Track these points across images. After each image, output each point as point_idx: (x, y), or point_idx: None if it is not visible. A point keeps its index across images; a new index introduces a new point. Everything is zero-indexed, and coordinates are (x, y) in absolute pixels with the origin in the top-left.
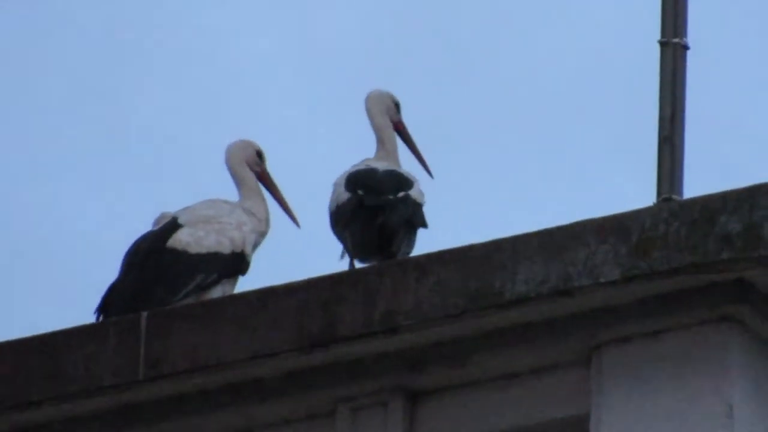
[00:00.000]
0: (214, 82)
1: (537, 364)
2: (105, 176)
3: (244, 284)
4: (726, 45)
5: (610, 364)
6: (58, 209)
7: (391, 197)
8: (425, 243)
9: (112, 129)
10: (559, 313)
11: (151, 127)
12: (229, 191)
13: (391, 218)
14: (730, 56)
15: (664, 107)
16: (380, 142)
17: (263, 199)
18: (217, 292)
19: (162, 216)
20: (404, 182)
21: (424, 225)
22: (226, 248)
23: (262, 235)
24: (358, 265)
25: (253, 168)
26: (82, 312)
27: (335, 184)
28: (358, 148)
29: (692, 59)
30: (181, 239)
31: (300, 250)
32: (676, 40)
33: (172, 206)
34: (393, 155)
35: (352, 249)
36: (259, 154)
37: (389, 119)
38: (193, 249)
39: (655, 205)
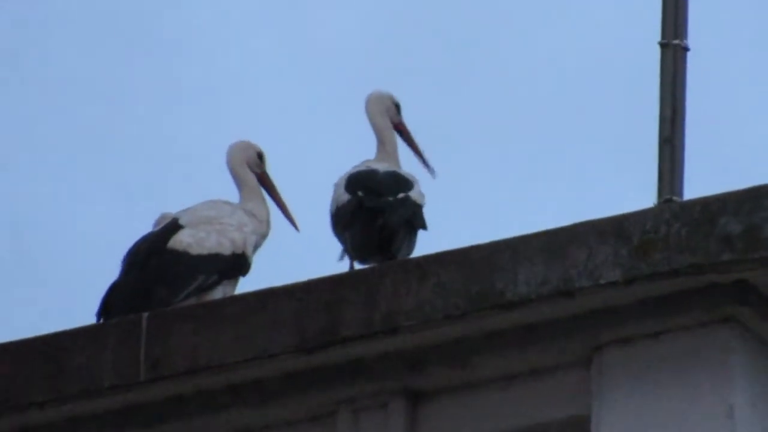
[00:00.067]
0: (214, 83)
1: (538, 365)
2: (105, 177)
3: (245, 285)
4: (726, 46)
5: (611, 365)
6: (59, 210)
7: (391, 199)
8: (426, 244)
9: (113, 129)
10: (560, 315)
11: (152, 127)
12: (229, 192)
13: (391, 219)
14: (730, 58)
15: (665, 108)
16: (380, 143)
17: (264, 201)
18: (217, 294)
19: (163, 217)
20: (404, 183)
21: (424, 226)
22: (226, 249)
23: (263, 236)
24: (358, 266)
25: (253, 169)
26: (83, 313)
27: (336, 186)
28: (359, 149)
29: (692, 61)
30: (182, 240)
31: (301, 251)
32: (676, 41)
33: (172, 207)
34: (393, 156)
35: (352, 250)
36: (260, 156)
37: (389, 120)
38: (194, 250)
39: (655, 206)
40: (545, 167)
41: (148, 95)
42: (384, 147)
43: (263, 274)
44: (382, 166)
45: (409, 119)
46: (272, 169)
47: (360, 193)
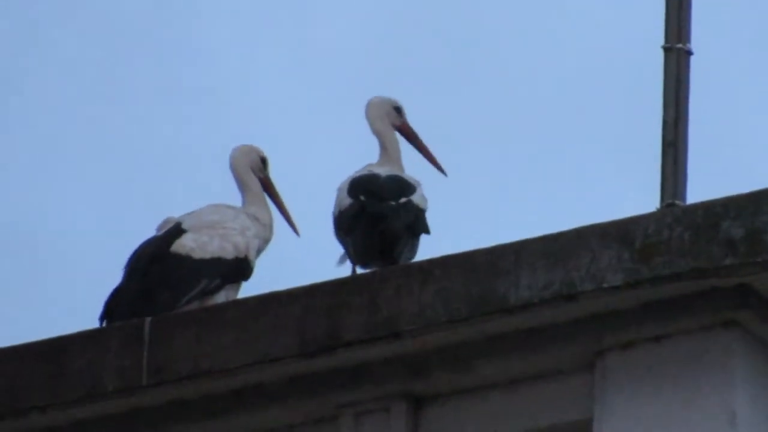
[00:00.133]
0: (217, 86)
1: (540, 369)
2: (108, 180)
3: (248, 290)
4: (729, 50)
5: (614, 369)
6: (62, 213)
7: (393, 203)
8: (428, 248)
9: (115, 132)
10: (562, 319)
11: (155, 130)
12: (232, 196)
13: (393, 224)
14: (733, 62)
15: (668, 112)
16: (383, 147)
17: (267, 205)
18: (220, 298)
19: (166, 221)
20: (406, 188)
21: (427, 231)
22: (229, 253)
23: (266, 240)
24: (359, 271)
25: (256, 173)
26: (86, 317)
27: (338, 190)
28: (362, 153)
29: (696, 65)
30: (184, 244)
31: (303, 255)
32: (679, 45)
33: (175, 211)
34: (396, 160)
35: (354, 255)
36: (263, 160)
37: (390, 124)
38: (197, 254)
39: (658, 210)
40: (548, 171)
41: (151, 97)
42: (386, 151)
43: (266, 279)
44: (384, 170)
45: (410, 120)
46: (274, 174)
47: (362, 198)
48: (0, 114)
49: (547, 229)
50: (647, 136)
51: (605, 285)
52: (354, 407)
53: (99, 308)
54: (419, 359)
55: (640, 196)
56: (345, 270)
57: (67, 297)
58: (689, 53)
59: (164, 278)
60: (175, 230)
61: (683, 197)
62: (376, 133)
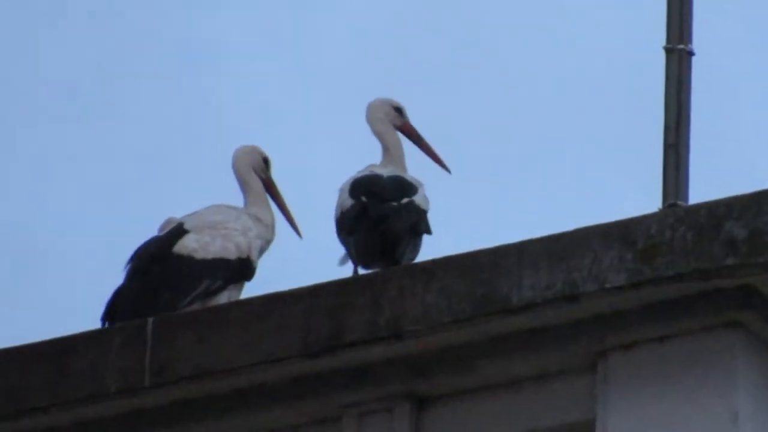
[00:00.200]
0: (218, 86)
1: (543, 370)
2: (109, 181)
3: (250, 290)
4: (731, 51)
5: (616, 370)
6: (62, 213)
7: (394, 204)
8: (431, 248)
9: (116, 133)
10: (564, 319)
11: (157, 131)
12: (234, 196)
13: (395, 225)
14: (735, 62)
15: (670, 113)
16: (385, 149)
17: (269, 206)
18: (223, 298)
19: (168, 221)
20: (408, 188)
21: (428, 231)
22: (232, 254)
23: (268, 241)
24: (361, 271)
25: (259, 174)
26: (88, 317)
27: (340, 190)
28: (364, 154)
29: (697, 65)
30: (187, 245)
31: (306, 256)
32: (681, 46)
33: (178, 211)
34: (399, 161)
35: (356, 255)
36: (266, 161)
37: (391, 125)
38: (199, 255)
39: (660, 210)
40: (550, 171)
41: (152, 98)
42: (389, 152)
43: (268, 279)
44: (386, 171)
45: (411, 121)
46: (276, 174)
47: (364, 199)
48: (0, 114)
49: (549, 229)
50: (649, 136)
51: (608, 285)
52: (357, 407)
53: (100, 308)
54: (422, 360)
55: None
56: (347, 270)
57: (68, 297)
58: (691, 54)
59: (166, 279)
60: (177, 231)
61: (685, 197)
62: (378, 134)
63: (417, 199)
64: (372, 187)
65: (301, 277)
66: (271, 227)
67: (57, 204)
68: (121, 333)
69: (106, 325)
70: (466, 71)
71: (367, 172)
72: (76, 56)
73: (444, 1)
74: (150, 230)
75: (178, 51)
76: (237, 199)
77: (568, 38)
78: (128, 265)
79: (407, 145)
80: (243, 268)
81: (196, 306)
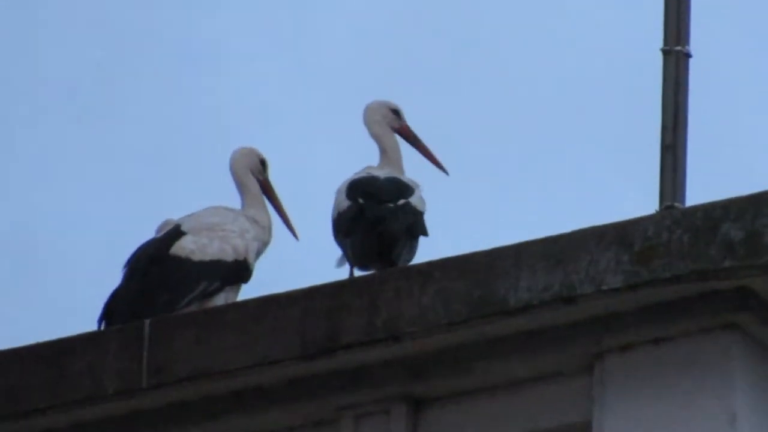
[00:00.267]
0: (216, 88)
1: (540, 372)
2: (108, 182)
3: (247, 292)
4: (728, 53)
5: (613, 372)
6: (62, 214)
7: (391, 205)
8: (428, 250)
9: (115, 134)
10: (561, 321)
11: (154, 132)
12: (230, 198)
13: (392, 226)
14: (732, 64)
15: (667, 114)
16: (382, 151)
17: (266, 207)
18: (220, 300)
19: (165, 223)
20: (405, 190)
21: (425, 233)
22: (229, 256)
23: (265, 243)
24: (357, 273)
25: (256, 176)
26: (85, 318)
27: (337, 192)
28: (361, 155)
29: (695, 67)
30: (184, 246)
31: (302, 258)
32: (678, 48)
33: (175, 213)
34: (396, 163)
35: (353, 257)
36: (263, 163)
37: (388, 127)
38: (197, 256)
39: (657, 212)
40: (547, 172)
41: (151, 99)
42: (386, 154)
43: (265, 281)
44: (383, 173)
45: (410, 121)
46: (274, 176)
47: (360, 200)
48: (0, 114)
49: (546, 231)
50: (646, 138)
51: (604, 287)
52: (354, 409)
53: (100, 309)
54: (419, 361)
55: (639, 198)
56: (344, 272)
57: (68, 297)
58: (688, 56)
59: (164, 280)
60: (175, 232)
61: (682, 199)
62: (375, 137)
63: (413, 200)
64: (369, 188)
65: (298, 279)
66: (268, 229)
67: (57, 204)
68: (119, 334)
69: (103, 327)
70: (465, 72)
71: (363, 174)
72: (76, 56)
73: (444, 1)
74: (150, 230)
75: (178, 51)
76: (235, 200)
77: (565, 39)
78: (126, 267)
79: (405, 147)
80: (240, 270)
81: (193, 308)
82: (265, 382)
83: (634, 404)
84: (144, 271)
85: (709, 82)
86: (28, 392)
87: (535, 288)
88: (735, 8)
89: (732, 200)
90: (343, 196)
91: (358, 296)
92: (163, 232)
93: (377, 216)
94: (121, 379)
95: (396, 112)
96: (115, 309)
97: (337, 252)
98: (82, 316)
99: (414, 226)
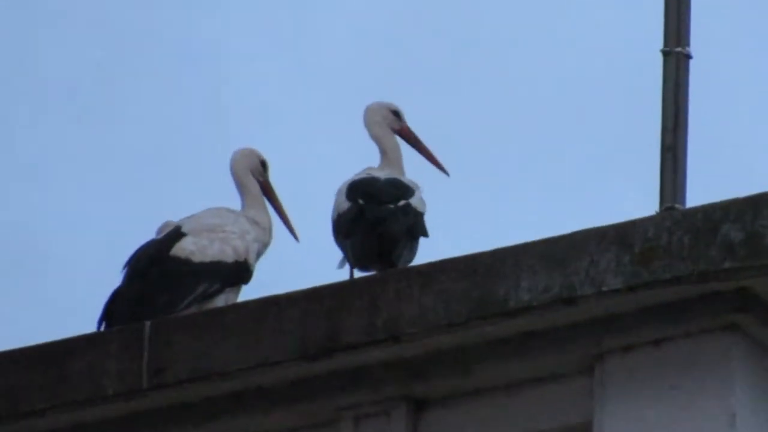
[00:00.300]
0: (217, 89)
1: (540, 373)
2: (108, 183)
3: (248, 293)
4: (729, 54)
5: (613, 373)
6: (62, 214)
7: (391, 206)
8: (428, 251)
9: (115, 135)
10: (562, 322)
11: (155, 134)
12: (231, 199)
13: (392, 227)
14: (732, 65)
15: (667, 116)
16: (383, 152)
17: (266, 209)
18: (220, 301)
19: (165, 224)
20: (405, 191)
21: (425, 234)
22: (229, 257)
23: (265, 244)
24: (358, 274)
25: (256, 177)
26: (86, 319)
27: (337, 193)
28: (363, 155)
29: (695, 68)
30: (184, 248)
31: (303, 259)
32: (678, 49)
33: (175, 214)
34: (397, 164)
35: (353, 258)
36: (264, 164)
37: (388, 129)
38: (197, 258)
39: (657, 214)
40: (547, 173)
41: (151, 100)
42: (386, 156)
43: (265, 282)
44: (383, 174)
45: (410, 122)
46: (274, 177)
47: (361, 201)
48: (0, 114)
49: (546, 232)
50: (647, 139)
51: (605, 288)
52: (354, 410)
53: (98, 310)
54: (419, 362)
55: (639, 200)
56: (345, 273)
57: (68, 298)
58: (688, 57)
59: (164, 281)
60: (175, 233)
61: (683, 201)
62: (375, 138)
63: (414, 201)
64: (369, 189)
65: (298, 280)
66: (268, 230)
67: (57, 204)
68: (119, 336)
69: (104, 328)
70: (465, 72)
71: (364, 175)
72: (76, 56)
73: (444, 1)
74: (150, 231)
75: (178, 51)
76: (235, 200)
77: (566, 40)
78: (126, 268)
79: (405, 148)
80: (240, 271)
81: (193, 309)
82: (266, 382)
83: (635, 405)
84: (144, 272)
85: (709, 84)
86: (28, 393)
87: (536, 289)
88: (735, 9)
89: (732, 201)
90: (343, 197)
91: (359, 297)
92: (163, 234)
93: (377, 217)
94: (122, 380)
95: (396, 114)
96: (115, 310)
97: (337, 253)
98: (82, 317)
99: (414, 227)
